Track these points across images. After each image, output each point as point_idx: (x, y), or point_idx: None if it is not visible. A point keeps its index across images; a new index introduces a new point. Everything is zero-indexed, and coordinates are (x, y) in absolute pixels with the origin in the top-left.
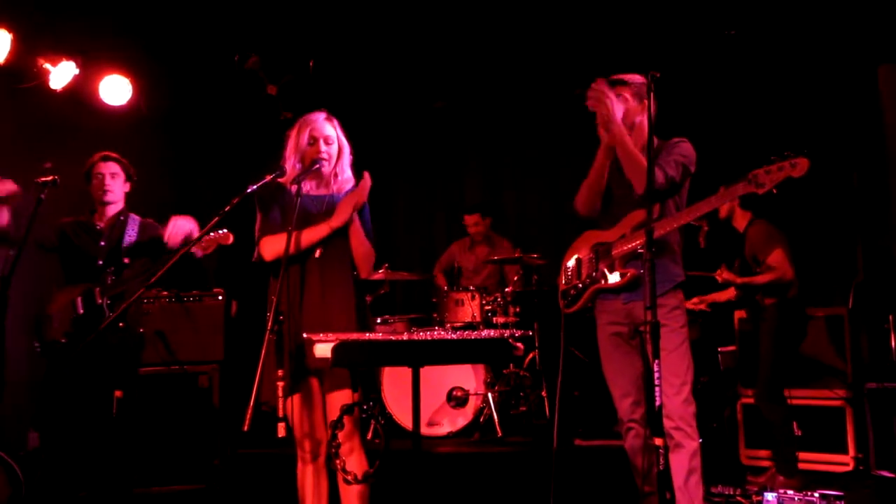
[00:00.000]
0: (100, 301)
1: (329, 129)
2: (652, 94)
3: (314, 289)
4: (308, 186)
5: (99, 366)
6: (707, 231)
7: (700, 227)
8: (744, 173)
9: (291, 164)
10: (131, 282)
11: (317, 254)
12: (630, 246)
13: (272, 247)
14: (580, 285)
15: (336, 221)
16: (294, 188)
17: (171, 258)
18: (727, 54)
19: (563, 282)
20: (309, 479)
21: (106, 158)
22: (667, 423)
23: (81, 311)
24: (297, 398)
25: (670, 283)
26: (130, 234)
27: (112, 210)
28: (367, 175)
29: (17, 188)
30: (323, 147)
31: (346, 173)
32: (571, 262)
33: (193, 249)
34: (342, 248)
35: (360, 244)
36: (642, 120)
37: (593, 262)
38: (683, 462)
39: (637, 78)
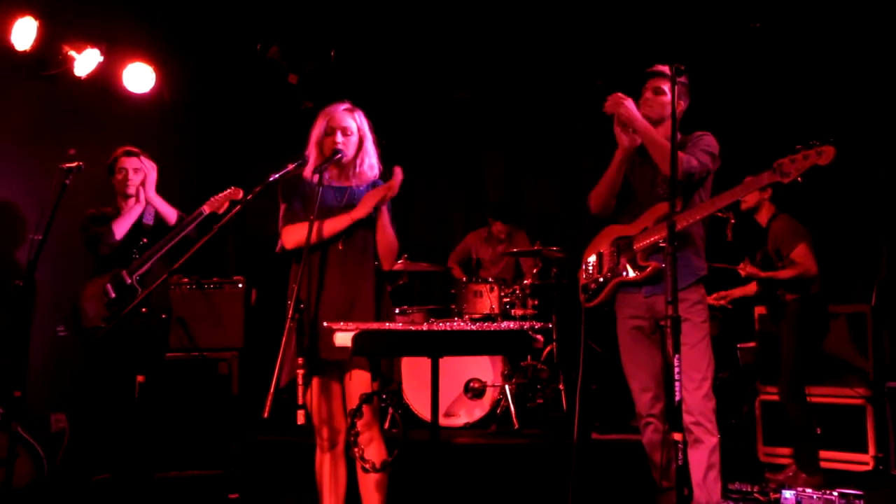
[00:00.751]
0: (129, 281)
1: (348, 121)
2: (676, 86)
3: (335, 279)
4: (329, 177)
5: (125, 350)
6: (734, 224)
7: (727, 220)
8: (769, 164)
9: (313, 156)
10: (155, 262)
11: (339, 245)
12: (652, 239)
13: (294, 236)
14: (601, 279)
15: (358, 213)
16: (315, 178)
17: (193, 242)
18: (752, 46)
19: (584, 276)
20: (327, 467)
21: (129, 154)
22: (686, 419)
23: (114, 295)
24: (316, 387)
25: (693, 276)
26: (148, 218)
27: (139, 193)
28: (398, 170)
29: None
30: (340, 138)
31: (368, 164)
32: (593, 258)
33: (208, 210)
34: (365, 240)
35: (385, 237)
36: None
37: (615, 256)
38: (703, 458)
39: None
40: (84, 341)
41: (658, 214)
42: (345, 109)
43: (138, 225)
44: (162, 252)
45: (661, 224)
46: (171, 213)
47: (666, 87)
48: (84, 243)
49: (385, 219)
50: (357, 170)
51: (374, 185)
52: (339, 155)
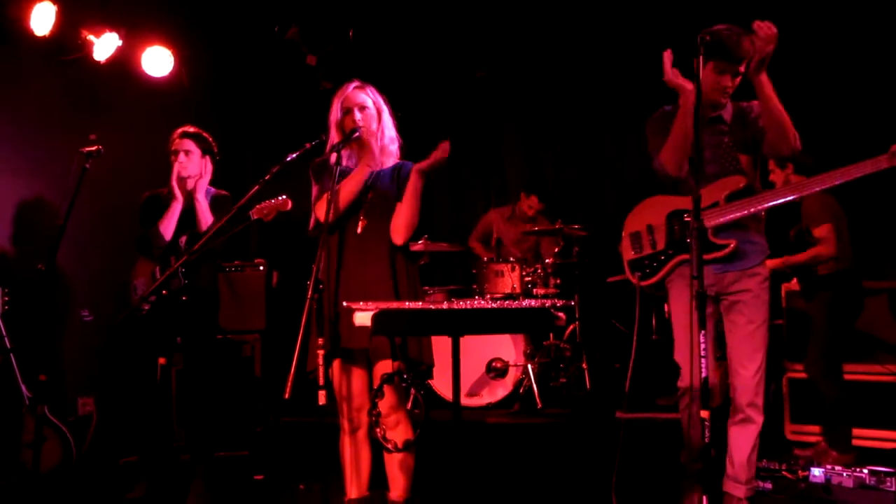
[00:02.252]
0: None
1: (362, 97)
2: (701, 58)
3: (353, 261)
4: (352, 160)
5: (168, 331)
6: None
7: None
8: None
9: (331, 139)
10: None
11: (358, 229)
12: (731, 216)
13: (321, 210)
14: (662, 257)
15: (371, 160)
16: (334, 157)
17: (232, 227)
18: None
19: (634, 251)
20: (350, 449)
21: (184, 135)
22: (742, 399)
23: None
24: (338, 368)
25: (762, 254)
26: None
27: (189, 184)
28: (445, 145)
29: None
30: (357, 115)
31: (389, 138)
32: (640, 232)
33: (255, 216)
34: (384, 223)
35: (409, 207)
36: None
37: (675, 231)
38: (752, 437)
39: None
40: (126, 321)
41: (731, 188)
42: (356, 87)
43: (185, 214)
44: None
45: (740, 201)
46: (206, 220)
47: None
48: (136, 246)
49: (416, 188)
50: (380, 143)
51: (397, 167)
52: (358, 133)
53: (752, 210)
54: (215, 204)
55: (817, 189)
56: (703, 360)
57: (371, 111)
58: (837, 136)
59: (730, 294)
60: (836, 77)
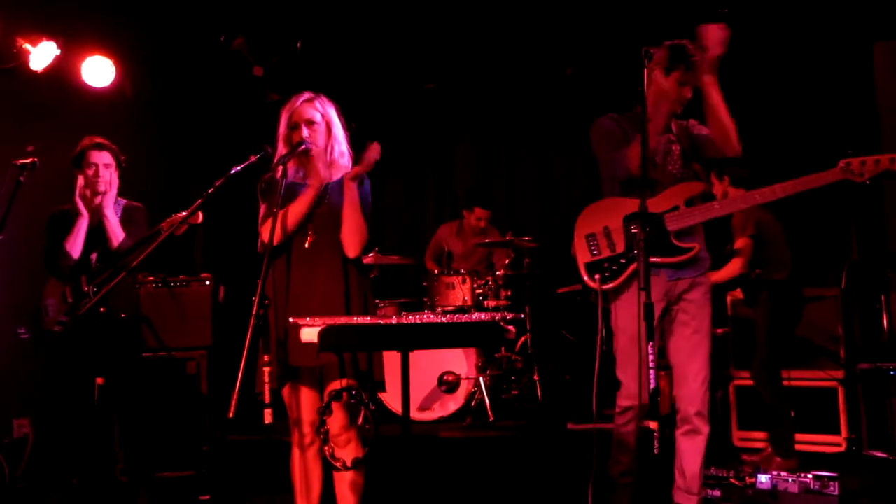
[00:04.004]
0: (86, 289)
1: (311, 112)
2: (645, 70)
3: (302, 276)
4: (302, 174)
5: (87, 352)
6: None
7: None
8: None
9: (279, 151)
10: (117, 267)
11: (306, 244)
12: (693, 220)
13: (266, 232)
14: (622, 260)
15: (317, 180)
16: (280, 170)
17: (149, 243)
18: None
19: (591, 254)
20: (301, 466)
21: (100, 147)
22: (690, 409)
23: (71, 300)
24: (288, 385)
25: (708, 262)
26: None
27: (97, 199)
28: (375, 146)
29: None
30: (305, 132)
31: (339, 152)
32: (597, 232)
33: (166, 229)
34: (333, 237)
35: (351, 217)
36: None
37: (636, 234)
38: (702, 448)
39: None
40: (43, 343)
41: (690, 193)
42: (305, 101)
43: (93, 231)
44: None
45: (703, 206)
46: (117, 236)
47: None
48: (45, 266)
49: (353, 195)
50: (329, 158)
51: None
52: (304, 146)
53: (716, 214)
54: (126, 216)
55: (781, 196)
56: (651, 372)
57: (320, 126)
58: (769, 147)
59: (679, 302)
60: (767, 89)
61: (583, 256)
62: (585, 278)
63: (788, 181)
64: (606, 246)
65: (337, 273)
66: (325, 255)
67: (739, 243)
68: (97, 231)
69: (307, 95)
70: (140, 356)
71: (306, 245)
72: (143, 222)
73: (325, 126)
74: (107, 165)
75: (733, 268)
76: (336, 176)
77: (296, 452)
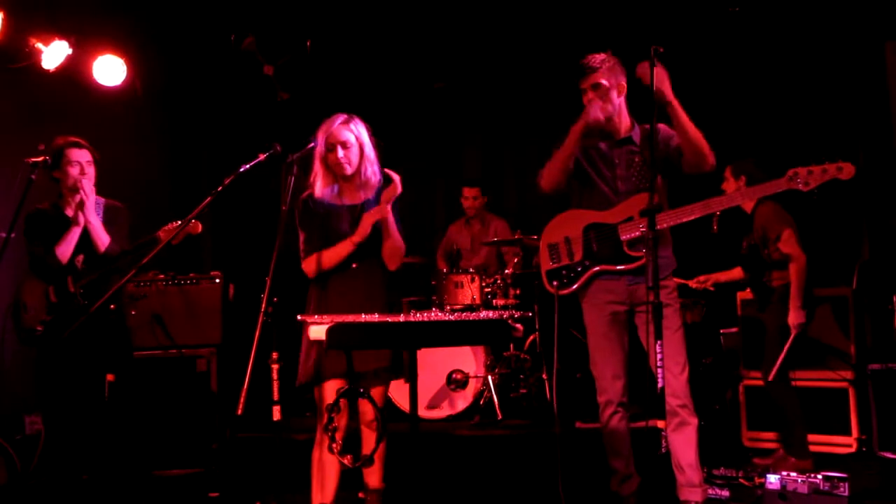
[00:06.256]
0: (72, 290)
1: (346, 134)
2: (655, 69)
3: (346, 287)
4: (340, 193)
5: (84, 351)
6: (719, 216)
7: (713, 213)
8: (781, 171)
9: (320, 173)
10: (106, 269)
11: (353, 265)
12: (642, 230)
13: (310, 267)
14: (579, 268)
15: (358, 237)
16: (325, 195)
17: (151, 248)
18: (731, 31)
19: (551, 262)
20: (324, 457)
21: (79, 145)
22: (673, 402)
23: (55, 300)
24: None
25: (669, 267)
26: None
27: (79, 197)
28: (397, 180)
29: None
30: (340, 153)
31: (371, 171)
32: (557, 243)
33: (164, 238)
34: (377, 248)
35: (391, 241)
36: (620, 102)
37: (591, 243)
38: (692, 438)
39: (600, 57)
40: (21, 338)
41: (642, 205)
42: (341, 123)
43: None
44: (115, 268)
45: (665, 212)
46: (103, 241)
47: (603, 80)
48: (29, 264)
49: (390, 221)
50: (362, 178)
51: (381, 190)
52: (340, 170)
53: (665, 225)
54: (108, 216)
55: (727, 206)
56: (659, 371)
57: (354, 147)
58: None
59: (643, 304)
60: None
61: (545, 264)
62: (546, 284)
63: (737, 191)
64: (566, 255)
65: (379, 282)
66: (369, 270)
67: (785, 237)
68: (82, 234)
69: (342, 118)
70: (129, 356)
71: (354, 265)
72: (125, 222)
73: (357, 148)
74: (88, 163)
75: (788, 252)
76: (369, 194)
77: (316, 448)
